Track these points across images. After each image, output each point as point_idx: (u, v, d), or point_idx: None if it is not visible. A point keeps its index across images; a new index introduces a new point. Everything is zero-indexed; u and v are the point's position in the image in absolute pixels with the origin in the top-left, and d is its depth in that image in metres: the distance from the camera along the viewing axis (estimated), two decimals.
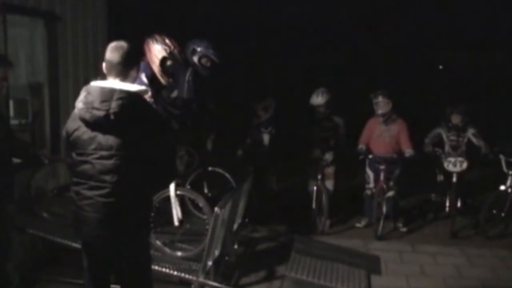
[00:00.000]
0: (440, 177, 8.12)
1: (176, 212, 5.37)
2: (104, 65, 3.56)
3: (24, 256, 5.77)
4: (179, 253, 5.53)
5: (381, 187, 7.57)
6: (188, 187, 6.44)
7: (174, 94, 6.27)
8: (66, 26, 6.94)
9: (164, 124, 3.71)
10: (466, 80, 16.47)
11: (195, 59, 6.48)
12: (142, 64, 5.42)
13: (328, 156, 7.64)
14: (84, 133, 3.43)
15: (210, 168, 6.71)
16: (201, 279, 5.13)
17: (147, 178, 3.49)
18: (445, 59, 18.11)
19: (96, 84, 3.48)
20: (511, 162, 7.48)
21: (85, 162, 3.44)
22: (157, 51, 5.52)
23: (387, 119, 7.65)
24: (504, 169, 7.48)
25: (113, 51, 3.51)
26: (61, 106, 6.82)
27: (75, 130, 3.48)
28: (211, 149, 7.11)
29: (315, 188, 7.64)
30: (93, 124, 3.38)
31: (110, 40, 3.69)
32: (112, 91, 3.36)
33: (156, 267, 5.01)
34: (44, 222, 5.93)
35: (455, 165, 7.64)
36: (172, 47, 5.58)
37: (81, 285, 3.93)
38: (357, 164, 8.06)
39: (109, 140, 3.37)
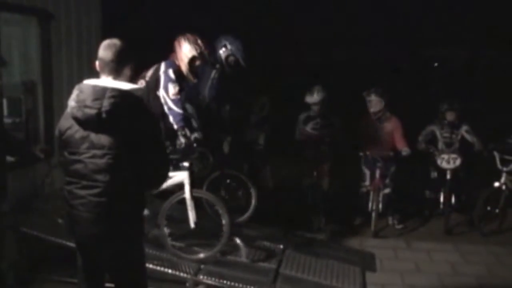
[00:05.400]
0: (434, 174, 8.16)
1: (192, 215, 5.37)
2: (97, 63, 3.55)
3: (19, 255, 5.75)
4: (194, 256, 5.51)
5: (377, 184, 7.58)
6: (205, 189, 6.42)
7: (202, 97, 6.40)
8: (60, 24, 6.91)
9: (156, 122, 3.70)
10: (461, 77, 16.51)
11: (223, 55, 6.44)
12: (168, 61, 5.51)
13: (323, 154, 7.64)
14: (77, 132, 3.42)
15: (227, 171, 6.72)
16: (195, 277, 5.13)
17: (139, 177, 3.48)
18: (441, 57, 18.15)
19: (88, 82, 3.46)
20: (505, 158, 7.51)
21: (78, 161, 3.42)
22: (187, 50, 5.53)
23: (380, 117, 7.66)
24: (498, 165, 7.51)
25: (106, 49, 3.49)
26: (55, 104, 6.80)
27: (68, 128, 3.46)
28: (228, 152, 7.09)
29: (310, 185, 7.64)
30: (85, 122, 3.36)
31: (104, 38, 3.67)
32: (104, 90, 3.34)
33: (151, 265, 5.00)
34: (38, 220, 5.92)
35: (448, 162, 7.67)
36: (203, 48, 5.60)
37: (76, 284, 3.93)
38: (353, 162, 8.07)
39: (102, 139, 3.35)
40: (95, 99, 3.31)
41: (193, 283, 5.15)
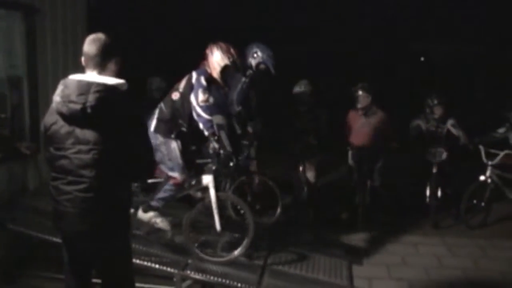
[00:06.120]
0: (421, 168, 8.18)
1: (217, 218, 5.41)
2: (82, 58, 3.53)
3: (5, 252, 5.73)
4: (219, 258, 5.54)
5: (364, 178, 7.61)
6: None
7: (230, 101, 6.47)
8: (45, 18, 6.87)
9: (141, 117, 3.68)
10: (447, 71, 16.57)
11: (253, 62, 6.52)
12: (200, 69, 5.54)
13: (310, 148, 7.65)
14: (62, 127, 3.39)
15: (253, 176, 6.75)
16: (182, 272, 5.14)
17: (125, 172, 3.48)
18: (427, 51, 18.20)
19: (73, 77, 3.44)
20: (490, 152, 7.58)
21: (63, 156, 3.40)
22: (220, 58, 5.56)
23: (367, 112, 7.70)
24: (484, 159, 7.57)
25: (90, 44, 3.48)
26: (41, 100, 6.76)
27: (53, 124, 3.44)
28: (254, 157, 7.12)
29: (297, 179, 7.66)
30: (70, 118, 3.34)
31: (89, 32, 3.65)
32: (89, 84, 3.32)
33: (137, 261, 5.00)
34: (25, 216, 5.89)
35: (434, 155, 7.72)
36: (236, 57, 5.64)
37: (62, 280, 3.91)
38: (340, 156, 8.09)
39: (87, 134, 3.34)
40: (80, 94, 3.29)
41: (180, 278, 5.15)
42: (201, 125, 5.35)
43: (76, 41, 7.17)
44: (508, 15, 13.53)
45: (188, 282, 5.30)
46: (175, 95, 5.54)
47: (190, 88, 5.44)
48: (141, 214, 5.66)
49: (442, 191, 7.90)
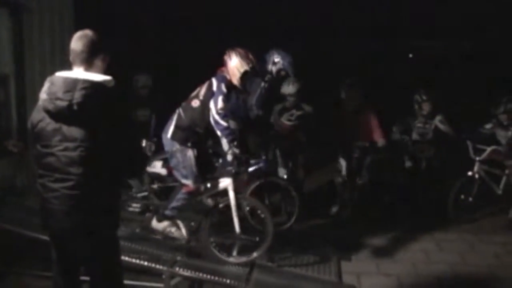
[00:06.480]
0: (408, 164, 8.22)
1: (237, 220, 5.46)
2: (70, 56, 3.52)
3: None
4: (238, 260, 5.61)
5: (353, 174, 7.63)
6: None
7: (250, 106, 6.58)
8: (33, 16, 6.84)
9: (127, 115, 3.69)
10: (436, 68, 16.61)
11: (274, 69, 6.65)
12: (219, 76, 5.55)
13: (298, 145, 7.67)
14: (49, 124, 3.38)
15: (271, 179, 6.77)
16: (171, 269, 5.14)
17: (112, 169, 3.47)
18: (415, 47, 18.22)
19: (60, 74, 3.43)
20: (478, 148, 7.62)
21: (50, 154, 3.39)
22: (239, 65, 5.56)
23: (356, 108, 7.72)
24: (471, 155, 7.61)
25: (77, 40, 3.48)
26: (28, 97, 6.74)
27: (40, 121, 3.42)
28: (271, 159, 7.13)
29: (285, 176, 7.66)
30: (57, 115, 3.33)
31: (77, 29, 3.64)
32: (75, 81, 3.32)
33: (126, 258, 5.00)
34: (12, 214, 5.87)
35: (422, 151, 7.75)
36: (255, 62, 5.65)
37: (51, 277, 3.90)
38: (329, 152, 8.10)
39: (73, 131, 3.32)
40: (67, 91, 3.28)
41: (169, 275, 5.16)
42: (219, 133, 5.38)
43: (64, 38, 7.14)
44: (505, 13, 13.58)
45: (177, 279, 5.31)
46: (195, 103, 5.52)
47: (211, 95, 5.44)
48: (155, 223, 5.70)
49: (429, 187, 7.95)
